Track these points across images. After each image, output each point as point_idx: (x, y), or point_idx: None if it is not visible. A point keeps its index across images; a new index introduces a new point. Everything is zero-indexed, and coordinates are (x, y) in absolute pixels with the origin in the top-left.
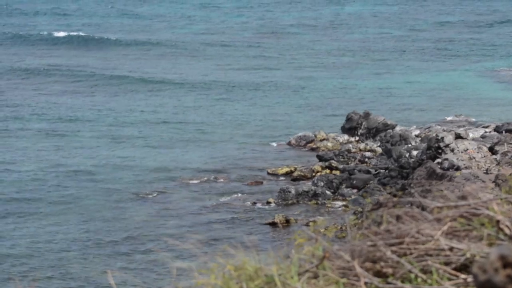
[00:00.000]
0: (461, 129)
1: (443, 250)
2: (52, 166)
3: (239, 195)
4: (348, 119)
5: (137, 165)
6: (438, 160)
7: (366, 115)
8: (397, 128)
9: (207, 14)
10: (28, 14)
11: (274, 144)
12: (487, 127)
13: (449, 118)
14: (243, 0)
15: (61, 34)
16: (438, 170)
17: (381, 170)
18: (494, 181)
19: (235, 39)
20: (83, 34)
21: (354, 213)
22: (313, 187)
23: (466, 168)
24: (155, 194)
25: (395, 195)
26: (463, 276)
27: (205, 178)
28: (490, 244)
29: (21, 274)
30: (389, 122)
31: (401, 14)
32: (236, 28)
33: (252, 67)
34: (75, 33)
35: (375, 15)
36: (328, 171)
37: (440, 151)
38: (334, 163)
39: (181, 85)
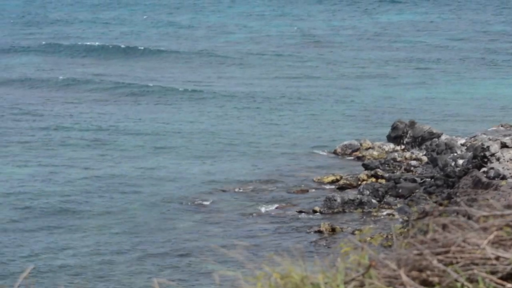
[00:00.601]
0: (507, 138)
1: (489, 259)
2: (96, 176)
3: (285, 203)
4: (394, 127)
5: (181, 175)
6: (484, 169)
7: (412, 124)
8: (443, 137)
9: (247, 23)
10: (64, 23)
11: (320, 153)
12: None
13: (494, 128)
14: (284, 9)
15: (97, 43)
16: (484, 179)
17: (427, 179)
18: None
19: (277, 48)
20: (121, 43)
21: (400, 222)
22: (358, 196)
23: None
24: (200, 203)
25: (441, 204)
26: (509, 285)
27: (251, 187)
28: None
29: (67, 284)
30: (434, 131)
31: (440, 23)
32: (277, 37)
33: (294, 76)
34: (113, 43)
35: (413, 24)
36: (374, 179)
37: (485, 160)
38: (379, 172)
39: (223, 95)
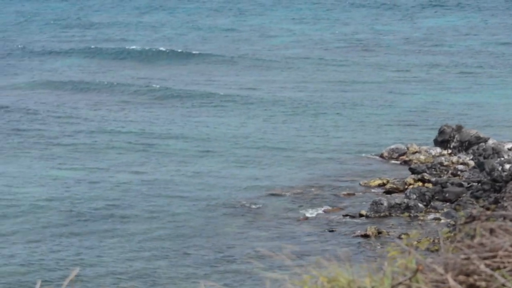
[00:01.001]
0: None
1: None
2: (141, 180)
3: (331, 207)
4: (441, 132)
5: (227, 179)
6: None
7: (459, 128)
8: (490, 142)
9: (290, 27)
10: (106, 26)
11: (366, 157)
12: None
13: None
14: (326, 13)
15: (140, 47)
16: None
17: (474, 183)
18: None
19: (320, 52)
20: (164, 47)
21: (447, 226)
22: (405, 200)
23: None
24: (246, 207)
25: (488, 209)
26: None
27: (297, 191)
28: None
29: (110, 284)
30: (481, 135)
31: (483, 27)
32: (320, 41)
33: (339, 80)
34: (155, 46)
35: (456, 29)
36: (420, 183)
37: None
38: (426, 176)
39: (268, 100)
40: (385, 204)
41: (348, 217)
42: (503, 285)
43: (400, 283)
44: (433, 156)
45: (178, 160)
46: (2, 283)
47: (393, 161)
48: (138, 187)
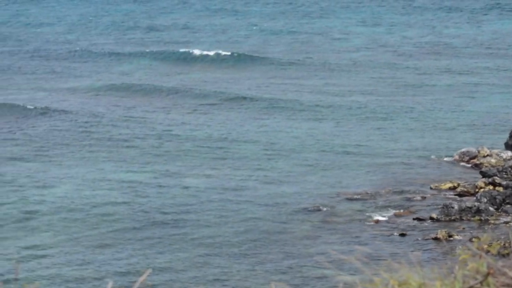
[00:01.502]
0: None
1: None
2: (210, 183)
3: (402, 210)
4: None
5: (297, 182)
6: None
7: None
8: None
9: (358, 30)
10: (169, 28)
11: (437, 160)
12: None
13: None
14: (396, 16)
15: (206, 51)
16: None
17: None
18: None
19: (390, 55)
20: (229, 51)
21: None
22: (476, 203)
23: None
24: (316, 209)
25: None
26: None
27: (367, 194)
28: None
29: (182, 285)
30: None
31: None
32: (390, 43)
33: (410, 84)
34: (221, 50)
35: None
36: (491, 187)
37: None
38: (497, 179)
39: (336, 104)
40: (456, 207)
41: (418, 220)
42: None
43: (471, 287)
44: (504, 160)
45: (248, 164)
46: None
47: (463, 164)
48: (207, 191)
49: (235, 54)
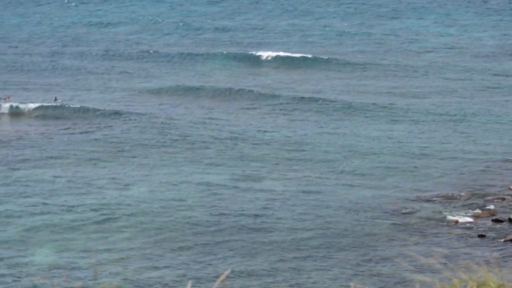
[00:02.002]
0: None
1: None
2: (286, 185)
3: (481, 212)
4: None
5: (373, 182)
6: None
7: None
8: None
9: (442, 30)
10: (236, 29)
11: None
12: None
13: None
14: (484, 16)
15: (269, 53)
16: None
17: None
18: None
19: (472, 57)
20: (299, 54)
21: None
22: None
23: None
24: (394, 210)
25: None
26: None
27: (446, 195)
28: None
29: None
30: None
31: None
32: (473, 45)
33: (487, 85)
34: (291, 52)
35: None
36: None
37: None
38: None
39: (413, 106)
40: None
41: (497, 222)
42: None
43: None
44: None
45: (325, 166)
46: None
47: None
48: (285, 193)
49: (309, 56)
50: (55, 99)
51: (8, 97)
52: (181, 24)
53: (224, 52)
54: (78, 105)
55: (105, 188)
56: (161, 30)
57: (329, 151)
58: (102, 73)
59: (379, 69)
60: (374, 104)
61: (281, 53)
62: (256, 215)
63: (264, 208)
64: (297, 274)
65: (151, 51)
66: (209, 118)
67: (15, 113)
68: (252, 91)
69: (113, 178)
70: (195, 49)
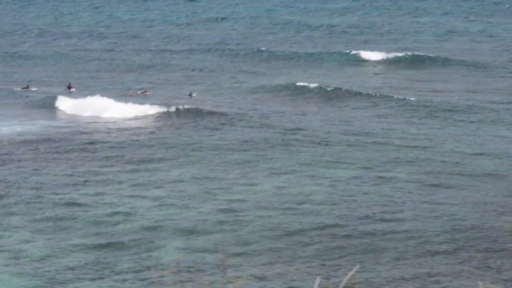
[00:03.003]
0: None
1: None
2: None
3: None
4: None
5: (504, 178)
6: None
7: None
8: None
9: None
10: (337, 30)
11: None
12: None
13: None
14: None
15: (384, 52)
16: None
17: None
18: None
19: None
20: (415, 53)
21: None
22: None
23: None
24: None
25: None
26: None
27: None
28: None
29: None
30: None
31: None
32: None
33: None
34: (396, 52)
35: None
36: None
37: None
38: None
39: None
40: None
41: None
42: None
43: None
44: None
45: (452, 161)
46: None
47: None
48: (411, 191)
49: (421, 54)
50: (190, 94)
51: (144, 91)
52: (286, 23)
53: (333, 51)
54: (209, 107)
55: (235, 184)
56: (273, 28)
57: (454, 149)
58: (207, 70)
59: (489, 69)
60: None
61: (383, 53)
62: (384, 214)
63: (392, 208)
64: (425, 272)
65: (262, 50)
66: (332, 118)
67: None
68: (327, 89)
69: (242, 176)
70: (304, 49)
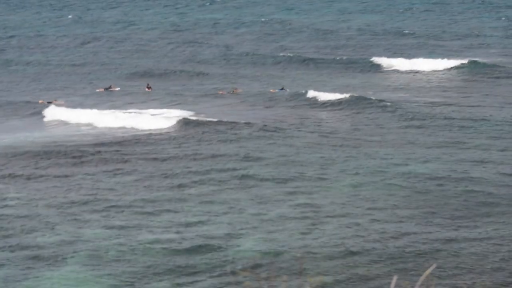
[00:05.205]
0: None
1: None
2: None
3: None
4: None
5: None
6: None
7: None
8: None
9: None
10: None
11: None
12: None
13: None
14: None
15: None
16: None
17: None
18: None
19: None
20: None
21: None
22: None
23: None
24: None
25: None
26: None
27: None
28: None
29: (467, 280)
30: None
31: None
32: None
33: None
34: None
35: None
36: None
37: None
38: None
39: None
40: None
41: None
42: None
43: None
44: None
45: None
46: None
47: None
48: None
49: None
50: (282, 89)
51: (235, 89)
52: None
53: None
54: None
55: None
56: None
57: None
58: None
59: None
60: None
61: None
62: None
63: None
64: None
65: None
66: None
67: None
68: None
69: (343, 170)
70: (370, 54)
